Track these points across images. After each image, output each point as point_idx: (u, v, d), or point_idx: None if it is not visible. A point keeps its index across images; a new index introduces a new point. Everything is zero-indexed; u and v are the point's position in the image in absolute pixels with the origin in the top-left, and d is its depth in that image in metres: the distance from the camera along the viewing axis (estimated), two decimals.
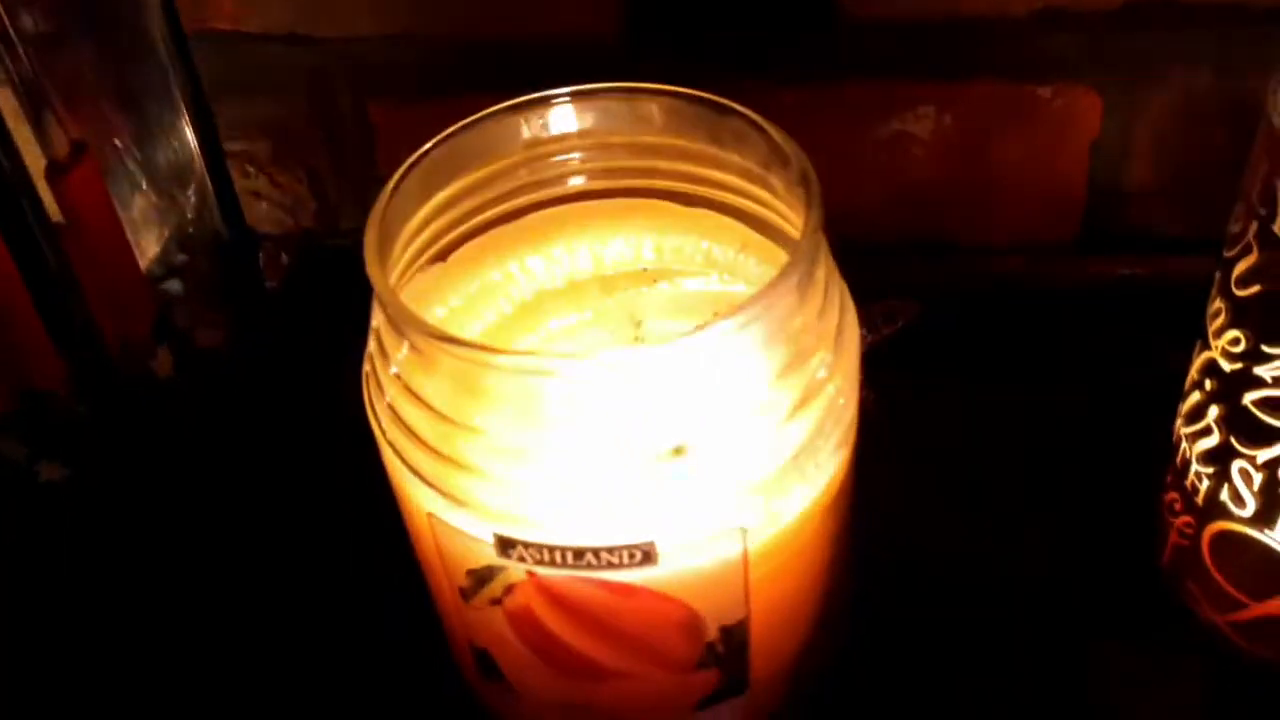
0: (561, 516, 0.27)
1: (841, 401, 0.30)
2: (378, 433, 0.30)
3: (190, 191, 0.40)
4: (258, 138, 0.49)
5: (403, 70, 0.48)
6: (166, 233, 0.40)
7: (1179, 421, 0.37)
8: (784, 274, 0.27)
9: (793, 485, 0.29)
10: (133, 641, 0.39)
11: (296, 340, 0.45)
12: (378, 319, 0.30)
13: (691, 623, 0.29)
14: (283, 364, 0.43)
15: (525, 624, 0.30)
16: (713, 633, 0.30)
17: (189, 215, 0.40)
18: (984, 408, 0.44)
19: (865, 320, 0.46)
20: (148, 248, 0.40)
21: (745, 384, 0.28)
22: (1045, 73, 0.45)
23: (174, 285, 0.40)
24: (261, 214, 0.51)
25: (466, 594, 0.30)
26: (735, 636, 0.30)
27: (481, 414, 0.28)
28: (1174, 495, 0.37)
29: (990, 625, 0.38)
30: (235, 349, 0.41)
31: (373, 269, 0.28)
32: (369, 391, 0.31)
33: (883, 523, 0.38)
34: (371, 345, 0.30)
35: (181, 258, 0.40)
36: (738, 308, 0.26)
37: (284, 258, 0.50)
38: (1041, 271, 0.49)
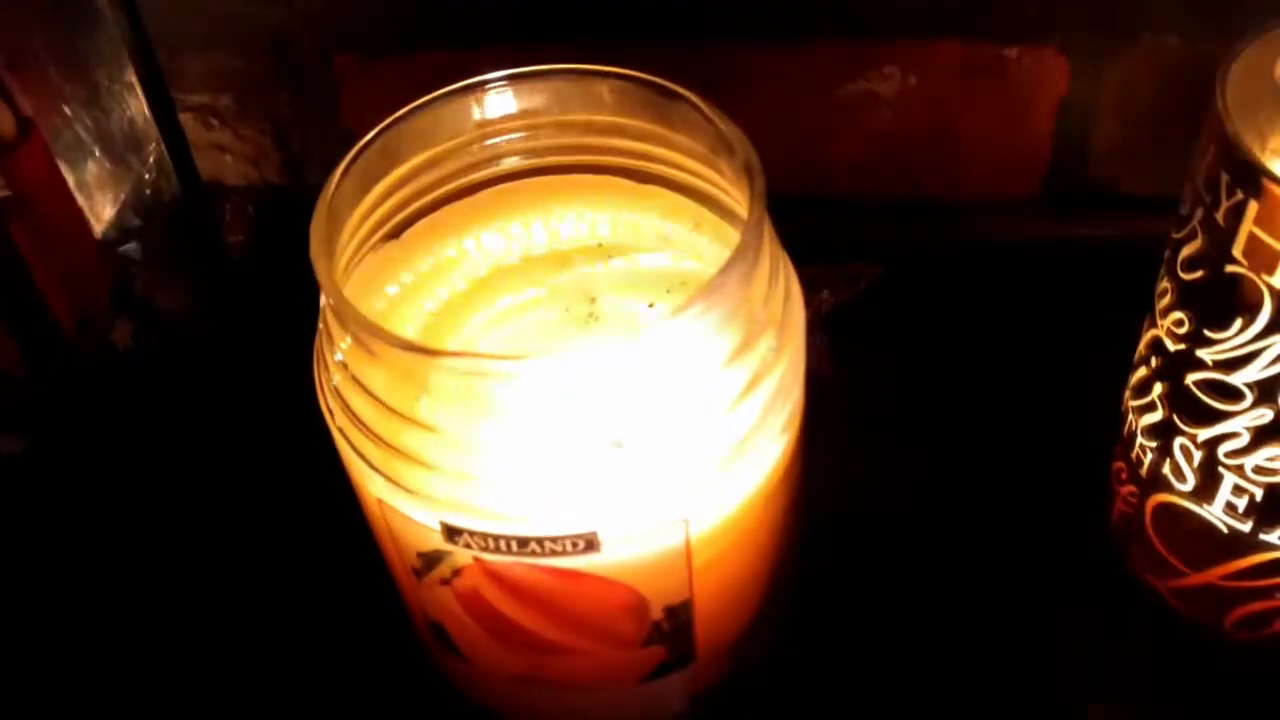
0: (506, 506, 0.28)
1: (786, 389, 0.30)
2: (326, 416, 0.31)
3: (144, 156, 0.40)
4: (221, 91, 0.49)
5: (366, 23, 0.47)
6: (122, 197, 0.40)
7: (1127, 393, 0.37)
8: (726, 270, 0.27)
9: (736, 474, 0.29)
10: (91, 614, 0.39)
11: (261, 300, 0.45)
12: (325, 301, 0.30)
13: (636, 604, 0.30)
14: (247, 327, 0.43)
15: (474, 604, 0.31)
16: (657, 613, 0.31)
17: (145, 179, 0.40)
18: (946, 368, 0.45)
19: (827, 283, 0.46)
20: (103, 213, 0.40)
21: (688, 376, 0.28)
22: (1012, 33, 0.45)
23: (131, 249, 0.40)
24: (226, 167, 0.51)
25: (418, 573, 0.31)
26: (680, 616, 0.31)
27: (425, 404, 0.28)
28: (1120, 464, 0.38)
29: (939, 587, 0.39)
30: (197, 313, 0.41)
31: (317, 259, 0.28)
32: (319, 372, 0.31)
33: (836, 488, 0.38)
34: (321, 324, 0.31)
35: (138, 222, 0.40)
36: (678, 308, 0.26)
37: (250, 211, 0.50)
38: (1007, 231, 0.49)
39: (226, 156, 0.50)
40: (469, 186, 0.34)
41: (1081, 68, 0.45)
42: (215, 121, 0.49)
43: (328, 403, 0.30)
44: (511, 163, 0.34)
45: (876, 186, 0.49)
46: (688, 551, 0.29)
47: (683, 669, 0.33)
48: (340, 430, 0.30)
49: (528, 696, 0.34)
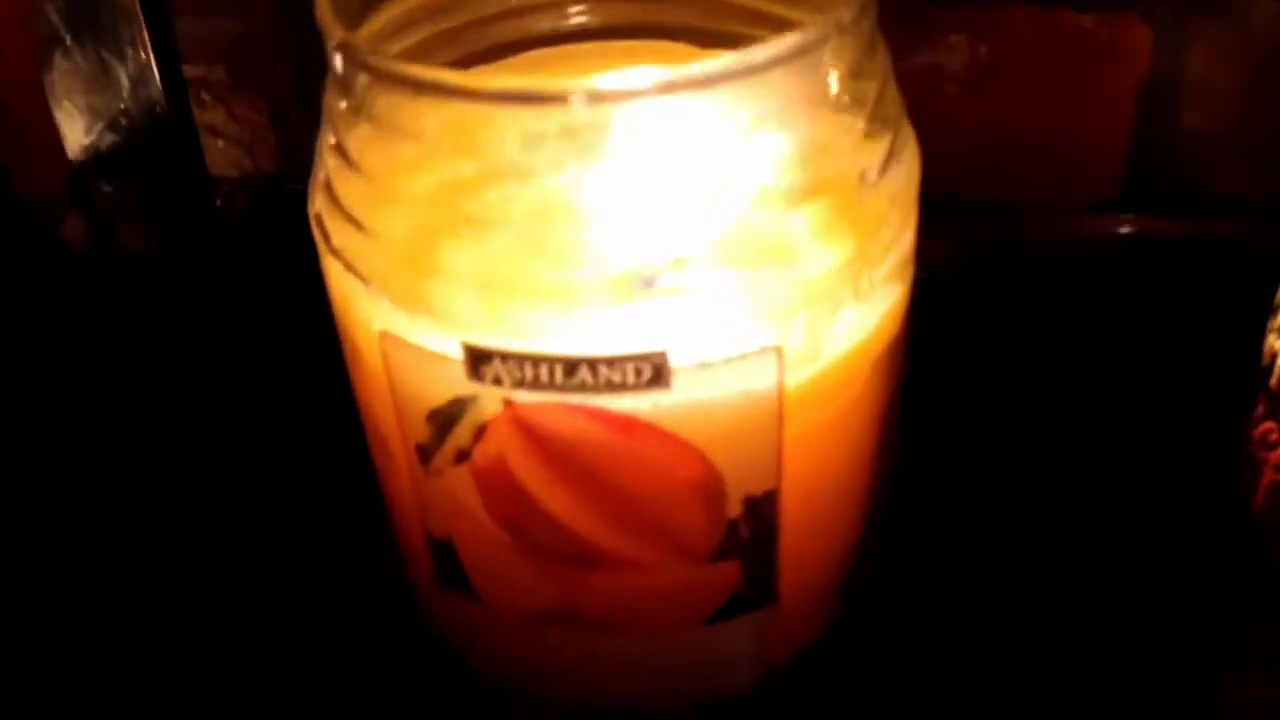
0: (550, 318, 0.21)
1: (898, 221, 0.24)
2: (324, 251, 0.25)
3: (125, 55, 0.34)
4: (216, 63, 0.44)
5: None
6: (98, 124, 0.34)
7: (1271, 337, 0.31)
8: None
9: (837, 306, 0.23)
10: (48, 552, 0.32)
11: (242, 263, 0.39)
12: (331, 107, 0.25)
13: (709, 485, 0.23)
14: (225, 279, 0.37)
15: (498, 487, 0.24)
16: (735, 507, 0.24)
17: (123, 87, 0.34)
18: (1028, 371, 0.39)
19: None
20: (71, 131, 0.34)
21: (776, 161, 0.22)
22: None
23: (102, 186, 0.35)
24: (218, 153, 0.46)
25: (426, 452, 0.24)
26: (763, 515, 0.24)
27: (455, 190, 0.22)
28: (1269, 426, 0.32)
29: (1050, 586, 0.32)
30: (170, 254, 0.35)
31: (324, 13, 0.23)
32: (317, 212, 0.25)
33: (929, 478, 0.32)
34: (321, 173, 0.25)
35: (112, 138, 0.35)
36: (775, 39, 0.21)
37: (239, 202, 0.44)
38: (1082, 230, 0.44)
39: (219, 141, 0.45)
40: (502, 45, 0.29)
41: (1166, 40, 0.41)
42: (208, 98, 0.45)
43: (327, 234, 0.24)
44: (555, 21, 0.29)
45: (941, 177, 0.44)
46: (779, 403, 0.22)
47: (758, 610, 0.26)
48: (340, 254, 0.24)
49: (553, 648, 0.26)
